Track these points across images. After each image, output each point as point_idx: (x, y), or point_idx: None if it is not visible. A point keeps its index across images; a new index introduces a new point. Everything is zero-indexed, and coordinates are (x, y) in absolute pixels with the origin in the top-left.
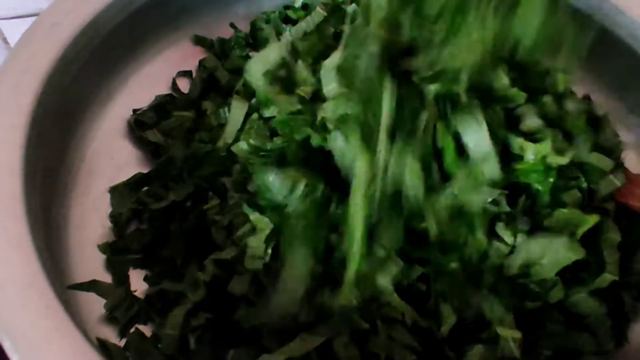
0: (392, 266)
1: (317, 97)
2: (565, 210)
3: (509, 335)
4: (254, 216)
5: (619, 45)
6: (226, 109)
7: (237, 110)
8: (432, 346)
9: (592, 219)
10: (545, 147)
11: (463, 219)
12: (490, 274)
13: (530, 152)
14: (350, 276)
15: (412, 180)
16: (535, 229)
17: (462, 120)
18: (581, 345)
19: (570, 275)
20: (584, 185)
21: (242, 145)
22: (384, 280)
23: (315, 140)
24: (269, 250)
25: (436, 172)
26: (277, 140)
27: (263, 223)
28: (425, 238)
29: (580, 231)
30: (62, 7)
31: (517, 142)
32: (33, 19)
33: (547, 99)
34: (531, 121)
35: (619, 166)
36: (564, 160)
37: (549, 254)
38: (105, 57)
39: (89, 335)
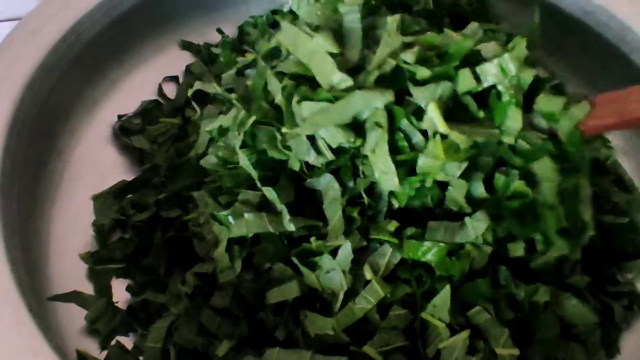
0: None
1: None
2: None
3: (506, 353)
4: (216, 227)
5: (610, 50)
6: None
7: (209, 120)
8: None
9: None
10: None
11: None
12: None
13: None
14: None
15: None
16: None
17: None
18: (571, 355)
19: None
20: None
21: (211, 159)
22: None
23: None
24: (238, 262)
25: None
26: (244, 152)
27: (223, 233)
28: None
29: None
30: (43, 12)
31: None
32: None
33: None
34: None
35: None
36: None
37: None
38: (88, 63)
39: (67, 348)
